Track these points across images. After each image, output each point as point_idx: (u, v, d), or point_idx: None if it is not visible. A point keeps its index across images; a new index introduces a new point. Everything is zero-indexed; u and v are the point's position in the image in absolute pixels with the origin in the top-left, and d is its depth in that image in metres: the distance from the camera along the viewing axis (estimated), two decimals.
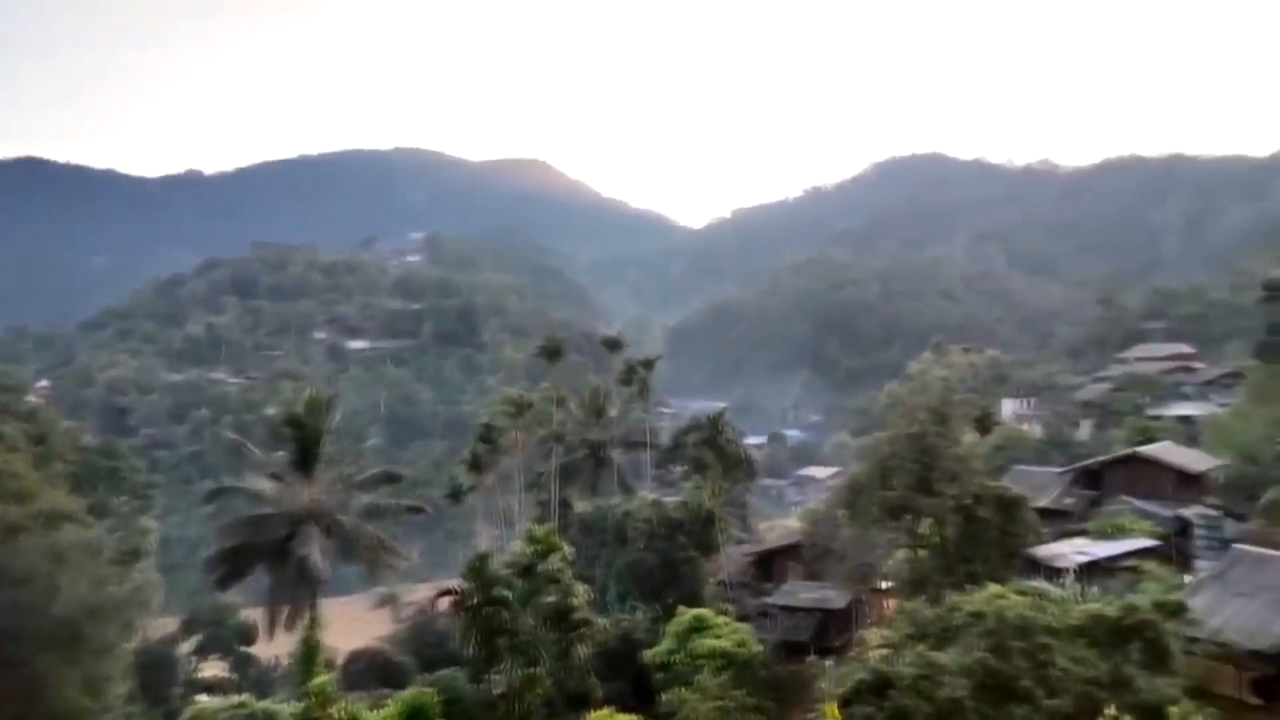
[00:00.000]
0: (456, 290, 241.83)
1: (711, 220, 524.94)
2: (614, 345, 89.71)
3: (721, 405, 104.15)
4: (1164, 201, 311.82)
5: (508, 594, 39.54)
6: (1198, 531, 52.13)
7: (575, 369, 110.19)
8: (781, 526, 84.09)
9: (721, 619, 44.36)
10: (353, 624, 70.51)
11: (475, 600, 39.50)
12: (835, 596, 51.64)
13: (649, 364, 78.97)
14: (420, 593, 74.41)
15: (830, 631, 50.25)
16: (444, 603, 44.90)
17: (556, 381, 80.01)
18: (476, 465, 72.54)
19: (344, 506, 43.72)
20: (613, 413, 79.25)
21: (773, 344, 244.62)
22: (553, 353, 79.57)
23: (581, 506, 65.51)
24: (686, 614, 43.94)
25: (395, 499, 47.47)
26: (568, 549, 43.42)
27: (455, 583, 41.67)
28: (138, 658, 56.86)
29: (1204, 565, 46.55)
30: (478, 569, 40.19)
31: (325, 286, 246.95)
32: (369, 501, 44.92)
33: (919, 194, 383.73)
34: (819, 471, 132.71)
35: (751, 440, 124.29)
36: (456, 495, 75.77)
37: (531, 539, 43.75)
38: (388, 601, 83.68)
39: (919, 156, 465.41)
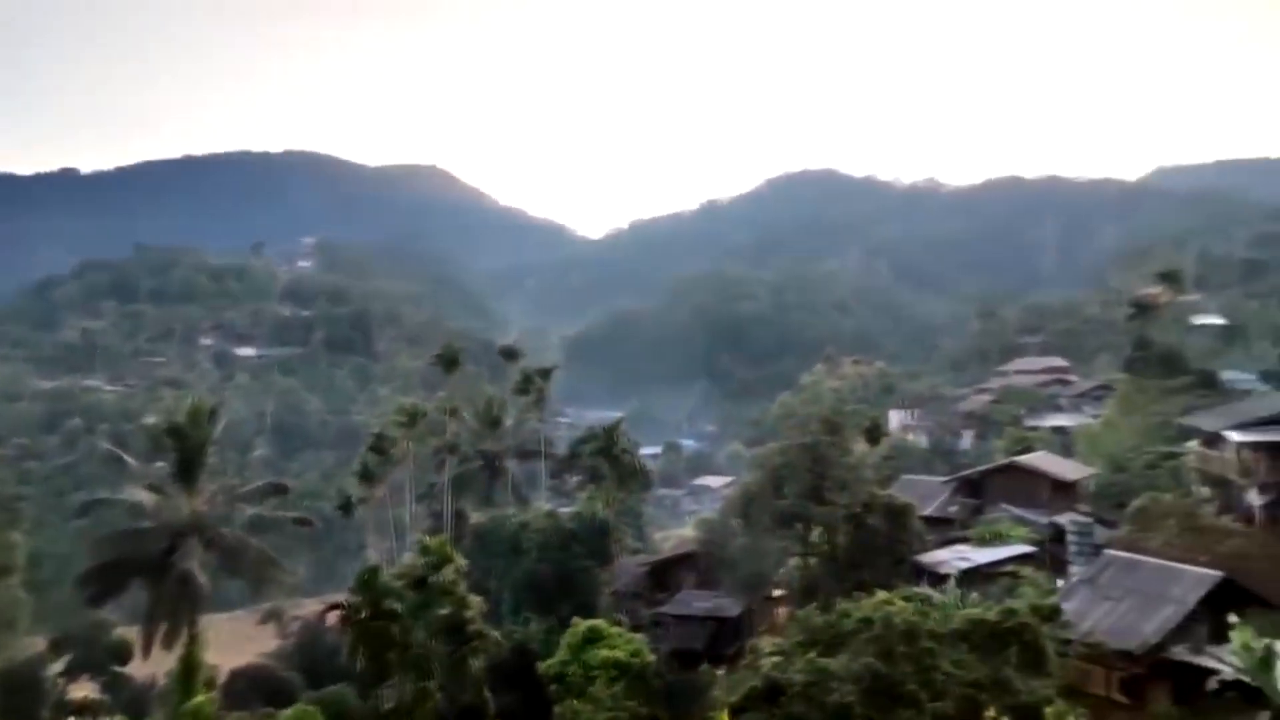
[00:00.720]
0: (349, 298, 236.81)
1: (610, 231, 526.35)
2: (511, 355, 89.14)
3: (618, 415, 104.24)
4: (1041, 221, 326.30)
5: (398, 607, 38.77)
6: (1070, 537, 54.38)
7: (471, 379, 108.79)
8: (677, 536, 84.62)
9: (616, 630, 44.32)
10: (236, 641, 67.98)
11: (364, 614, 38.63)
12: (729, 605, 52.24)
13: (546, 374, 78.66)
14: (308, 607, 72.32)
15: (724, 640, 50.80)
16: (332, 617, 43.79)
17: (452, 391, 78.98)
18: (368, 476, 70.97)
19: (227, 519, 42.27)
20: (508, 423, 78.65)
21: (669, 355, 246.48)
22: (449, 362, 78.55)
23: (476, 517, 64.69)
24: (581, 625, 43.78)
25: (282, 511, 46.13)
26: (461, 561, 42.80)
27: (344, 597, 40.70)
28: (1, 680, 53.74)
29: (1076, 570, 48.61)
30: (367, 582, 39.34)
31: (212, 291, 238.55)
32: (254, 514, 43.52)
33: (812, 209, 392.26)
34: (714, 481, 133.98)
35: (647, 450, 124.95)
36: (347, 507, 73.93)
37: (424, 551, 43.02)
38: (274, 617, 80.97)
39: (812, 173, 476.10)
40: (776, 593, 54.61)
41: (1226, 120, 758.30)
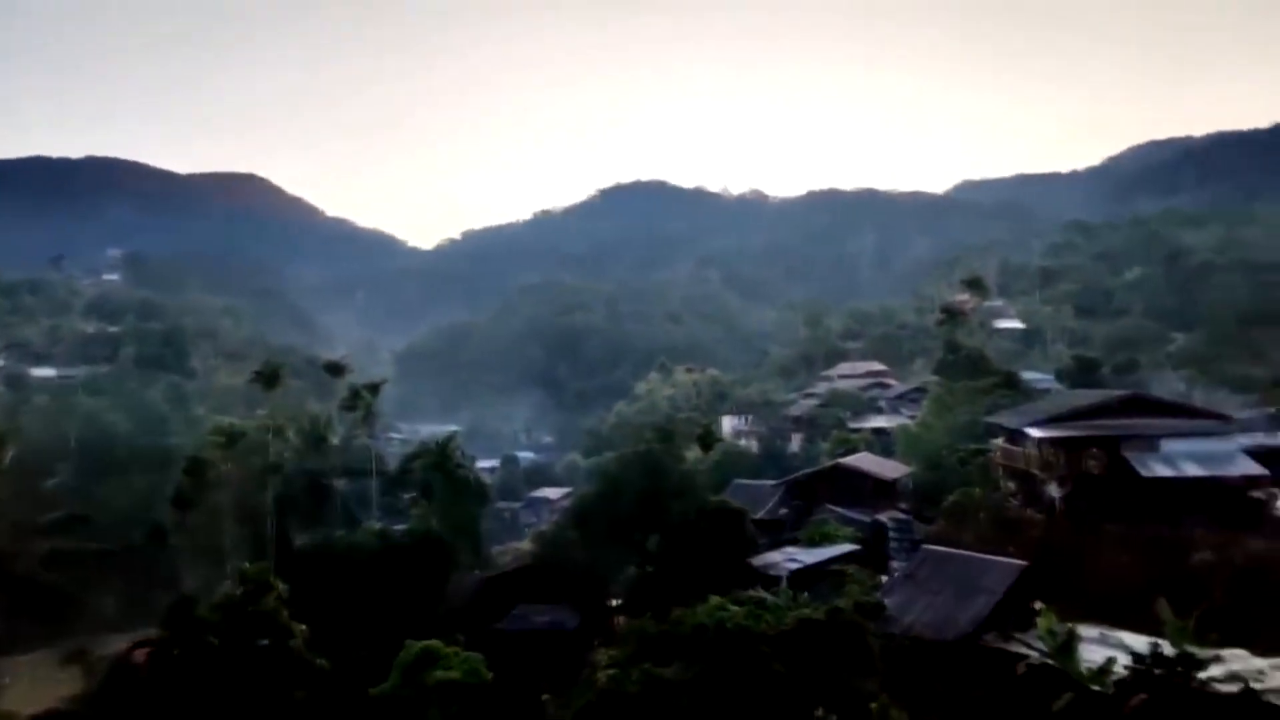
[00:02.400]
0: (162, 312, 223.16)
1: (441, 241, 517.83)
2: (337, 370, 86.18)
3: (452, 429, 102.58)
4: (859, 231, 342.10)
5: (215, 640, 36.55)
6: (891, 534, 56.96)
7: (296, 395, 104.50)
8: (515, 550, 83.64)
9: (452, 649, 43.19)
10: (36, 684, 62.49)
11: (176, 650, 36.24)
12: (567, 618, 51.84)
13: (375, 388, 76.45)
14: (117, 645, 67.33)
15: (563, 653, 50.32)
16: (142, 655, 40.88)
17: (274, 409, 75.59)
18: (183, 501, 66.91)
19: (22, 554, 38.85)
20: (335, 440, 75.88)
21: (504, 367, 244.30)
22: (270, 379, 75.23)
23: (301, 540, 62.00)
24: (415, 646, 42.40)
25: (84, 542, 42.81)
26: (284, 587, 40.79)
27: (156, 632, 38.08)
28: None
29: (897, 566, 50.86)
30: (180, 615, 36.93)
31: (3, 309, 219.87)
32: (52, 547, 40.19)
33: (644, 220, 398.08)
34: (552, 492, 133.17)
35: (483, 463, 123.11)
36: (160, 536, 69.41)
37: (243, 579, 40.79)
38: (78, 657, 74.96)
39: (644, 184, 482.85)
40: (615, 602, 54.63)
41: (1023, 137, 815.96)
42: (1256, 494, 52.58)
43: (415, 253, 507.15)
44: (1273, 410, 49.90)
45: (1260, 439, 58.28)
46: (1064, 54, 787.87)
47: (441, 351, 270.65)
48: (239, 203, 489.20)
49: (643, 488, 54.75)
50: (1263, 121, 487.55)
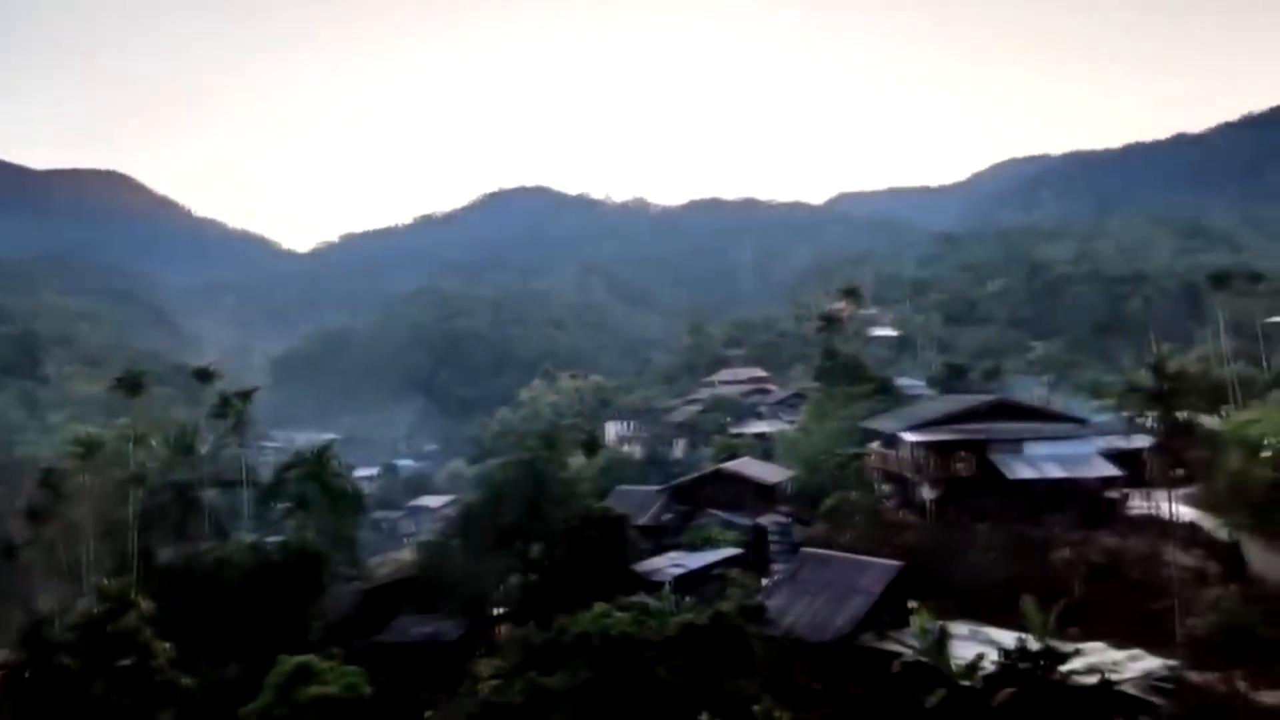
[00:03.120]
0: (12, 315, 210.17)
1: (318, 245, 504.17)
2: (206, 376, 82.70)
3: (330, 437, 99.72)
4: (740, 240, 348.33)
5: (70, 662, 34.50)
6: (772, 538, 57.93)
7: (161, 403, 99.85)
8: (395, 560, 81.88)
9: (329, 664, 41.89)
10: None
11: (30, 673, 34.08)
12: (449, 629, 50.97)
13: (247, 395, 73.69)
14: None
15: (445, 665, 49.40)
16: None
17: (137, 417, 72.08)
18: (37, 515, 63.01)
19: None
20: (204, 450, 72.77)
21: (385, 373, 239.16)
22: (132, 386, 71.73)
23: (167, 555, 59.22)
24: (289, 662, 40.95)
25: None
26: (147, 604, 38.84)
27: (7, 654, 35.74)
28: None
29: (778, 568, 51.75)
30: (33, 636, 34.74)
31: None
32: None
33: (528, 226, 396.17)
34: (433, 501, 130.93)
35: (362, 472, 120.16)
36: (9, 552, 65.19)
37: (103, 596, 38.69)
38: None
39: (527, 189, 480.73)
40: (498, 612, 53.96)
41: (895, 152, 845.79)
42: (1111, 494, 55.61)
43: (290, 256, 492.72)
44: (1126, 414, 52.80)
45: (1114, 442, 61.52)
46: (932, 73, 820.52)
47: (319, 357, 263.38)
48: (99, 201, 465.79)
49: (526, 495, 54.23)
50: (1115, 142, 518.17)
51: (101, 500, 65.87)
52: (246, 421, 73.97)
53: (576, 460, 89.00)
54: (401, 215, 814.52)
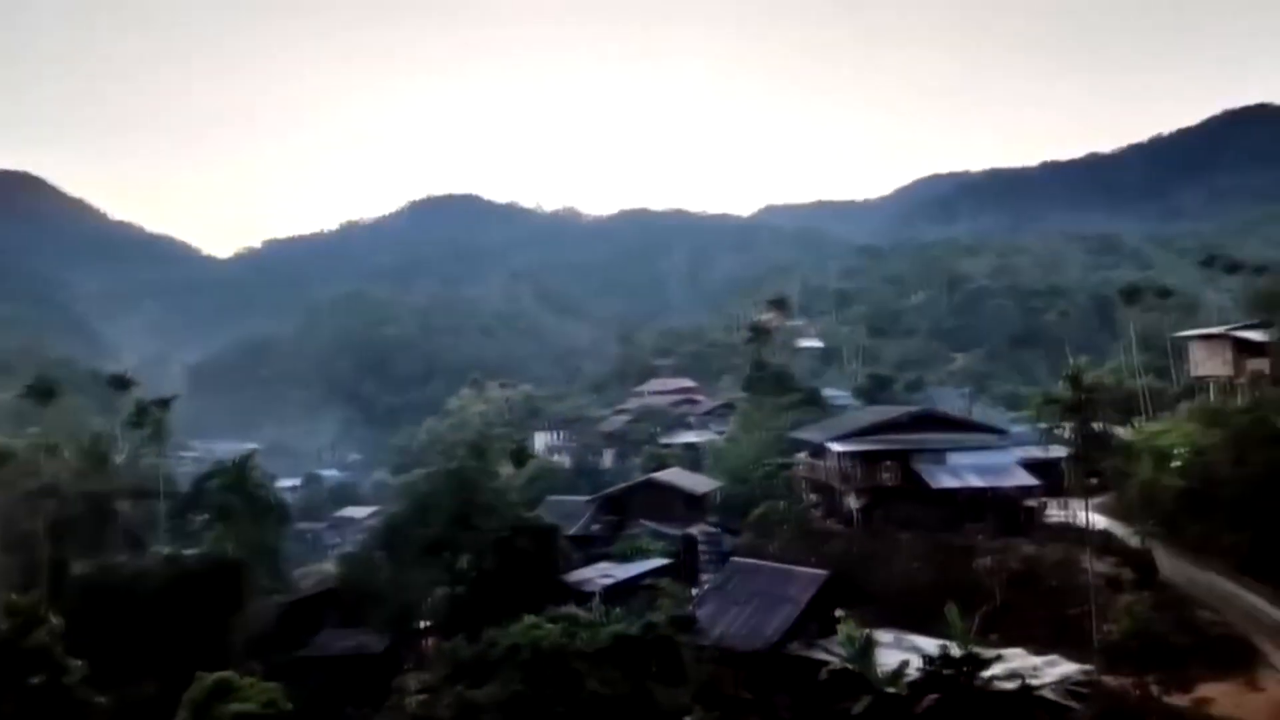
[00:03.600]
0: None
1: (240, 250, 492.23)
2: (123, 384, 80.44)
3: (251, 447, 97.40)
4: (670, 250, 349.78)
5: None
6: (701, 547, 58.24)
7: (74, 412, 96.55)
8: (318, 572, 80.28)
9: (249, 680, 40.84)
10: None
11: None
12: (374, 642, 50.16)
13: (165, 404, 71.79)
14: None
15: (370, 680, 48.56)
16: None
17: (49, 426, 69.58)
18: None
19: None
20: (120, 460, 70.56)
21: (309, 381, 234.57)
22: (45, 393, 69.40)
23: (80, 568, 57.16)
24: (206, 679, 39.81)
25: None
26: (58, 620, 37.44)
27: None
28: None
29: (708, 578, 52.00)
30: None
31: None
32: None
33: (456, 233, 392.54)
34: (358, 512, 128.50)
35: (285, 482, 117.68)
36: None
37: (11, 611, 37.18)
38: None
39: (455, 197, 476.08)
40: (425, 624, 53.24)
41: (821, 166, 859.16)
42: (1030, 503, 57.16)
43: (211, 261, 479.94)
44: (1043, 425, 54.38)
45: (1032, 452, 63.28)
46: (858, 89, 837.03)
47: (240, 365, 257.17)
48: (9, 203, 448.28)
49: (454, 505, 53.64)
50: (1031, 160, 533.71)
51: (11, 512, 63.33)
52: (164, 430, 72.14)
53: (505, 470, 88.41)
54: (327, 221, 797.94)
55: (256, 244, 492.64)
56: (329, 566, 79.74)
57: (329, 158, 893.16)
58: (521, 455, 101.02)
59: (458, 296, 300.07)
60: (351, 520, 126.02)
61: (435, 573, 52.34)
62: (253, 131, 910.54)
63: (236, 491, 63.13)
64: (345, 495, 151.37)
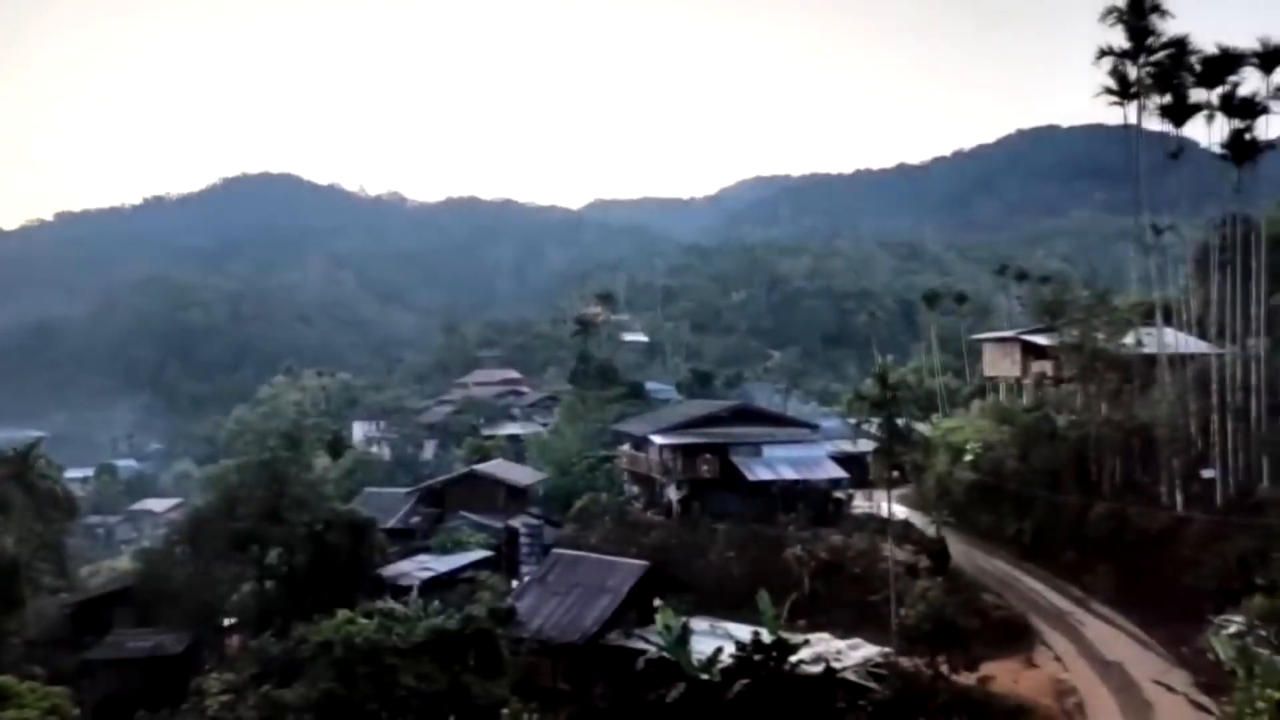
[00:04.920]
0: None
1: (28, 222, 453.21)
2: None
3: (37, 435, 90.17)
4: (497, 241, 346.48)
5: None
6: (523, 540, 58.11)
7: None
8: (110, 569, 75.36)
9: (27, 685, 37.85)
10: None
11: None
12: (172, 642, 47.39)
13: None
14: None
15: (167, 682, 45.90)
16: None
17: None
18: None
19: None
20: None
21: (105, 366, 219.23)
22: None
23: None
24: None
25: None
26: None
27: None
28: None
29: (528, 570, 51.96)
30: None
31: None
32: None
33: (272, 214, 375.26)
34: (157, 505, 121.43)
35: (75, 473, 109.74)
36: None
37: None
38: None
39: (272, 176, 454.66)
40: (229, 622, 50.78)
41: (650, 162, 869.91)
42: (838, 494, 60.04)
43: None
44: (852, 420, 57.25)
45: (842, 446, 66.52)
46: (684, 87, 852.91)
47: (25, 347, 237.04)
48: None
49: (264, 498, 51.39)
50: (846, 168, 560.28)
51: None
52: None
53: (321, 461, 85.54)
54: (129, 196, 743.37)
55: (48, 216, 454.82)
56: (124, 563, 75.05)
57: (133, 125, 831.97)
58: (338, 446, 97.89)
59: (273, 281, 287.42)
60: (150, 514, 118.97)
61: (242, 568, 50.10)
62: (49, 93, 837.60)
63: (17, 483, 58.29)
64: (143, 487, 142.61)
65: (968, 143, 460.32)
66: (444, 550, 56.82)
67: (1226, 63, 49.80)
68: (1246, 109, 49.73)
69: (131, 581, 54.88)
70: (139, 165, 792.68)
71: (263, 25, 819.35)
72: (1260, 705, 23.23)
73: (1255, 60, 49.32)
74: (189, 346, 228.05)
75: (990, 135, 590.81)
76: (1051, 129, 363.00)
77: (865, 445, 65.66)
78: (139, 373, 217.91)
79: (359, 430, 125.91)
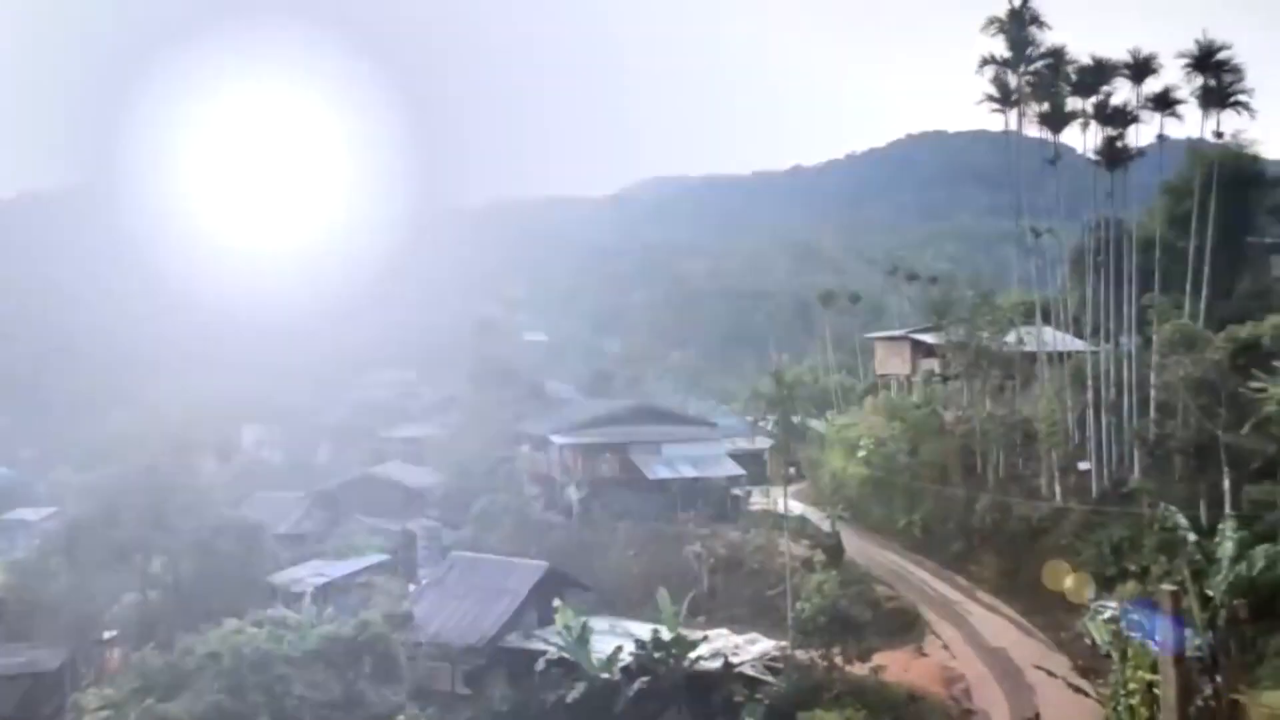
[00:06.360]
0: None
1: None
2: None
3: None
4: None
5: None
6: (421, 542, 57.29)
7: None
8: None
9: None
10: None
11: None
12: (46, 657, 45.16)
13: None
14: None
15: (41, 699, 43.74)
16: None
17: None
18: None
19: None
20: None
21: None
22: None
23: None
24: None
25: None
26: None
27: None
28: None
29: (426, 573, 51.22)
30: None
31: None
32: None
33: None
34: (31, 514, 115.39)
35: None
36: None
37: None
38: None
39: None
40: (109, 635, 48.66)
41: (551, 161, 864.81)
42: (736, 491, 60.80)
43: None
44: (749, 418, 58.01)
45: (739, 443, 67.34)
46: (582, 87, 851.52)
47: None
48: None
49: (148, 505, 49.44)
50: (744, 169, 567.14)
51: None
52: None
53: (209, 466, 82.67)
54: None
55: None
56: None
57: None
58: (227, 450, 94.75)
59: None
60: (23, 523, 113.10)
61: (124, 579, 48.10)
62: None
63: None
64: (15, 495, 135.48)
65: (859, 146, 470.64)
66: (339, 555, 55.63)
67: (1100, 73, 52.04)
68: (1118, 117, 52.05)
69: (2, 595, 52.17)
70: None
71: None
72: (1132, 686, 24.38)
73: (1126, 71, 51.67)
74: (68, 347, 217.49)
75: (881, 139, 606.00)
76: (939, 134, 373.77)
77: (763, 443, 66.66)
78: (11, 372, 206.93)
79: (250, 433, 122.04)
